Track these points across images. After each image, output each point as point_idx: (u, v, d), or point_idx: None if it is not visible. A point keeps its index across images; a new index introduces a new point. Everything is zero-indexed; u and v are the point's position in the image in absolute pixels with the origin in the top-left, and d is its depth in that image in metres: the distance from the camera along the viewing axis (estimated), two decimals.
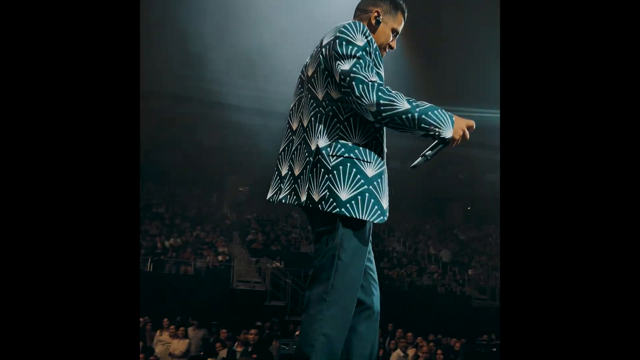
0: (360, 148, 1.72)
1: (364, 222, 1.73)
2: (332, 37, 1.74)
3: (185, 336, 8.44)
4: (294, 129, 1.85)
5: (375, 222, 1.73)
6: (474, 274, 16.50)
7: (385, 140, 1.81)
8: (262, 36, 15.25)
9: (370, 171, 1.71)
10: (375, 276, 1.89)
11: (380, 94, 1.62)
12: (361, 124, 1.73)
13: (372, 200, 1.69)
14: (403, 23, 1.96)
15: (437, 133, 1.67)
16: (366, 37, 1.73)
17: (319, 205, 1.68)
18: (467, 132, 1.75)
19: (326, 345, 1.65)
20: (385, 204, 1.74)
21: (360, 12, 1.92)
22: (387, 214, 1.75)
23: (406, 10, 1.95)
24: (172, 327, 8.51)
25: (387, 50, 1.95)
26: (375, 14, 1.89)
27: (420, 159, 1.76)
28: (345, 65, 1.67)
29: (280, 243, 15.66)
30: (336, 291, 1.68)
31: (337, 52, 1.70)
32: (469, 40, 16.54)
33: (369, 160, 1.72)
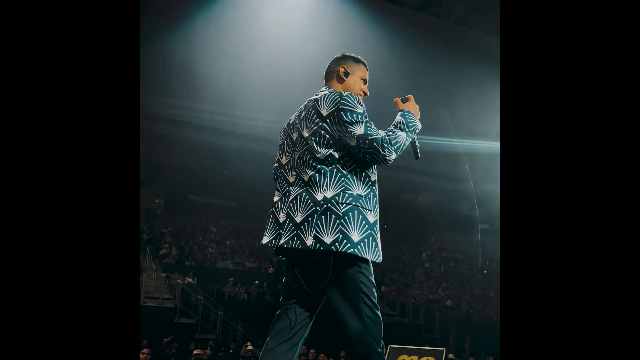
0: (363, 197, 2.00)
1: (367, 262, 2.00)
2: (334, 109, 2.01)
3: None
4: (291, 182, 2.08)
5: (376, 261, 2.00)
6: (386, 291, 16.90)
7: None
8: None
9: (371, 217, 2.00)
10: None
11: (392, 142, 1.98)
12: (361, 177, 2.03)
13: (374, 243, 1.98)
14: (367, 72, 2.28)
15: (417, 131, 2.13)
16: (360, 104, 2.04)
17: (332, 247, 1.90)
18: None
19: None
20: (380, 246, 2.03)
21: (330, 74, 2.24)
22: None
23: (366, 63, 2.28)
24: None
25: (363, 96, 2.24)
26: (342, 68, 2.22)
27: (416, 148, 2.16)
28: (359, 130, 1.96)
29: (195, 258, 15.13)
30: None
31: (346, 121, 1.98)
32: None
33: (369, 209, 2.00)
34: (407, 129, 2.05)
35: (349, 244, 1.91)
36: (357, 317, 1.96)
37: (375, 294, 2.03)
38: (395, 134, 2.00)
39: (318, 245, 1.91)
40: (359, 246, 1.92)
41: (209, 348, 10.41)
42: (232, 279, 13.86)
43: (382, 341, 2.00)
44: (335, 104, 2.01)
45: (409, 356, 3.73)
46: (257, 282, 13.92)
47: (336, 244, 1.90)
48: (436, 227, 22.49)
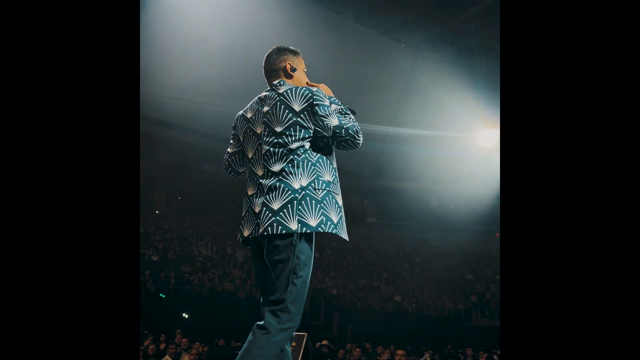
0: (332, 183, 2.19)
1: (312, 242, 2.16)
2: (307, 104, 2.15)
3: None
4: (260, 175, 2.19)
5: (345, 239, 2.20)
6: None
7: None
8: None
9: (339, 201, 2.20)
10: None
11: (358, 128, 2.22)
12: (327, 164, 2.21)
13: (344, 224, 2.20)
14: (303, 61, 2.41)
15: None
16: (325, 96, 2.21)
17: (319, 228, 2.08)
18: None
19: None
20: None
21: (276, 71, 2.32)
22: None
23: (300, 51, 2.39)
24: None
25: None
26: (288, 65, 2.32)
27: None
28: (334, 122, 2.17)
29: None
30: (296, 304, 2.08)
31: (321, 115, 2.16)
32: None
33: (337, 192, 2.21)
34: (345, 110, 2.26)
35: (332, 225, 2.12)
36: (285, 289, 2.07)
37: None
38: (354, 120, 2.24)
39: (304, 228, 2.06)
40: (338, 226, 2.14)
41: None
42: None
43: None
44: (308, 100, 2.16)
45: None
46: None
47: (322, 225, 2.09)
48: None
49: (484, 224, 23.15)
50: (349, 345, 9.66)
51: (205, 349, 8.86)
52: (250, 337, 2.06)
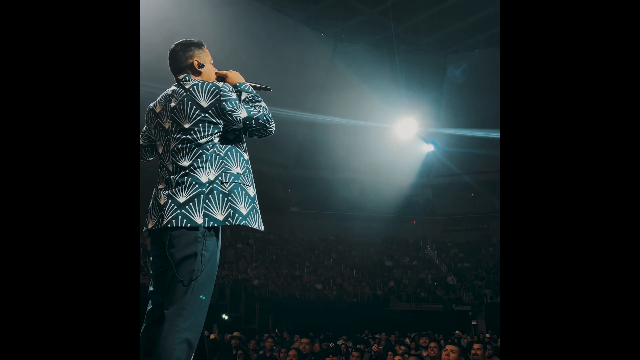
0: (242, 175, 2.19)
1: (218, 237, 2.15)
2: (214, 100, 2.14)
3: None
4: (171, 170, 2.17)
5: (260, 229, 2.22)
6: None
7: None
8: None
9: (251, 192, 2.20)
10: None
11: (269, 115, 2.23)
12: (236, 157, 2.21)
13: (258, 214, 2.20)
14: (209, 52, 2.37)
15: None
16: (232, 90, 2.21)
17: (226, 222, 2.08)
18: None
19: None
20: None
21: (183, 67, 2.27)
22: None
23: (203, 42, 2.36)
24: None
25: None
26: (195, 62, 2.29)
27: (260, 89, 2.40)
28: (242, 114, 2.17)
29: None
30: (195, 299, 2.03)
31: (230, 110, 2.15)
32: None
33: (248, 184, 2.20)
34: (256, 98, 2.28)
35: (240, 217, 2.11)
36: (181, 296, 2.01)
37: None
38: (264, 107, 2.26)
39: (211, 222, 2.06)
40: (248, 217, 2.13)
41: None
42: None
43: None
44: (215, 96, 2.15)
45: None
46: None
47: (229, 219, 2.09)
48: None
49: (402, 212, 23.96)
50: (265, 334, 9.62)
51: None
52: (145, 346, 2.03)
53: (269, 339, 7.54)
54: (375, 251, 23.13)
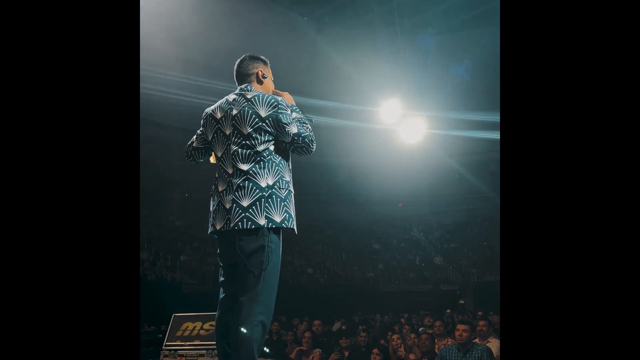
0: (290, 182, 2.41)
1: (279, 234, 2.34)
2: (272, 112, 2.36)
3: None
4: (230, 173, 2.37)
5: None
6: (186, 260, 16.68)
7: None
8: None
9: (293, 199, 2.41)
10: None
11: (314, 138, 2.44)
12: (286, 166, 2.43)
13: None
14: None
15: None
16: (288, 106, 2.43)
17: (283, 224, 2.30)
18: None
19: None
20: None
21: (248, 76, 2.52)
22: None
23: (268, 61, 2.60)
24: None
25: None
26: (260, 72, 2.54)
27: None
28: (293, 130, 2.38)
29: None
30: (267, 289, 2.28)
31: (284, 123, 2.36)
32: None
33: (293, 191, 2.42)
34: (304, 120, 2.48)
35: (292, 220, 2.37)
36: (254, 285, 2.25)
37: None
38: (310, 130, 2.46)
39: (270, 224, 2.27)
40: (294, 222, 2.38)
41: None
42: None
43: None
44: (274, 108, 2.37)
45: (193, 322, 3.78)
46: None
47: (285, 221, 2.32)
48: None
49: (388, 195, 24.15)
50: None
51: None
52: (222, 330, 2.30)
53: (274, 323, 7.62)
54: (364, 234, 23.33)
